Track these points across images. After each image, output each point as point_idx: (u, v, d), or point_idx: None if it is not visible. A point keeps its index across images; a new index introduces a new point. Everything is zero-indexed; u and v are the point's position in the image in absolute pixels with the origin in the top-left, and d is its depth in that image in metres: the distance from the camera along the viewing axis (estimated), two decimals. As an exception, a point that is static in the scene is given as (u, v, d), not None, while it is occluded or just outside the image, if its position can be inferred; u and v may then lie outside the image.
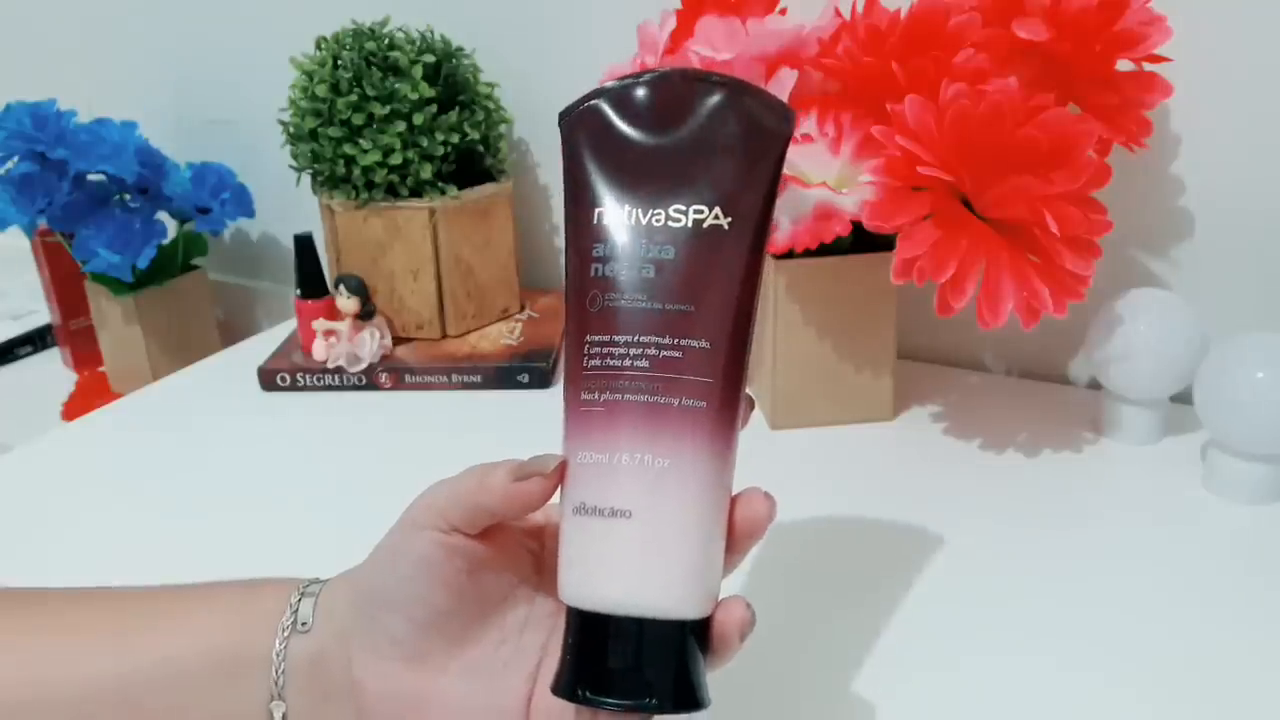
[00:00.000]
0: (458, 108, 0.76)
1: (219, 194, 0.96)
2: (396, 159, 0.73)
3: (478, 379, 0.74)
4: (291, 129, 0.76)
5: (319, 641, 0.34)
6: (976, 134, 0.50)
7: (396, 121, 0.72)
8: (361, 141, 0.73)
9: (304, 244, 0.75)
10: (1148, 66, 0.56)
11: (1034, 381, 0.71)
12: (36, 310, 1.07)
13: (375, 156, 0.73)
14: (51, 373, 1.03)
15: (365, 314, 0.76)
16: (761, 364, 0.65)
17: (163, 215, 0.94)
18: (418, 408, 0.72)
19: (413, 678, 0.33)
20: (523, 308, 0.84)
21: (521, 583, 0.35)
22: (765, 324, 0.63)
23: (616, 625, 0.31)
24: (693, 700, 0.31)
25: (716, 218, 0.32)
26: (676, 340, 0.31)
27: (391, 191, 0.75)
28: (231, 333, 1.05)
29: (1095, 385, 0.67)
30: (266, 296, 1.09)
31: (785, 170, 0.35)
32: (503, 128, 0.81)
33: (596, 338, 0.32)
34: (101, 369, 1.00)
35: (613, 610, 0.31)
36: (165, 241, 0.92)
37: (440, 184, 0.75)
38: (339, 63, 0.73)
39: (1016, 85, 0.51)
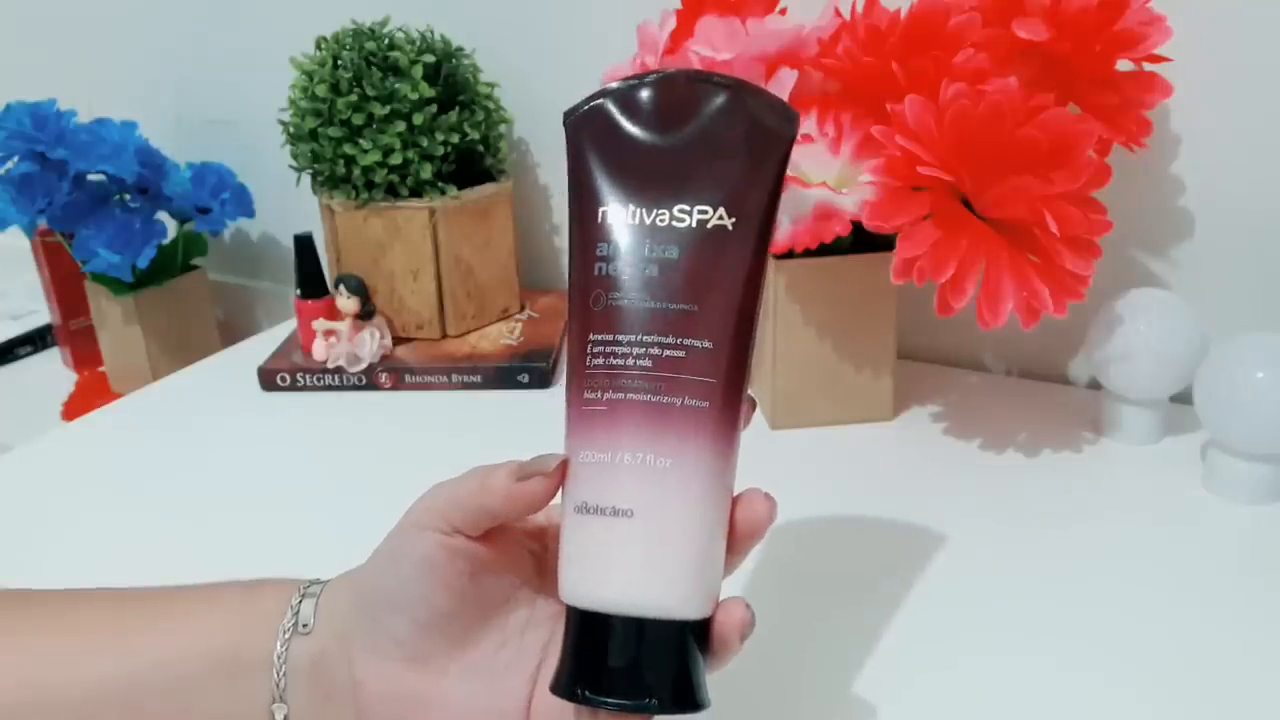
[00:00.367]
0: (458, 108, 0.76)
1: (219, 194, 0.96)
2: (396, 159, 0.73)
3: (478, 379, 0.74)
4: (291, 129, 0.76)
5: (320, 642, 0.34)
6: (976, 134, 0.50)
7: (396, 121, 0.72)
8: (361, 141, 0.73)
9: (304, 244, 0.75)
10: (1148, 66, 0.56)
11: (1034, 381, 0.71)
12: (36, 310, 1.07)
13: (375, 156, 0.73)
14: (51, 373, 1.03)
15: (365, 314, 0.76)
16: (762, 364, 0.65)
17: (163, 215, 0.94)
18: (418, 408, 0.72)
19: (414, 679, 0.33)
20: (523, 308, 0.84)
21: (523, 584, 0.35)
22: (765, 324, 0.63)
23: (617, 625, 0.31)
24: (692, 701, 0.31)
25: (720, 218, 0.32)
26: (680, 340, 0.32)
27: (391, 191, 0.75)
28: (231, 333, 1.05)
29: (1095, 385, 0.67)
30: (266, 296, 1.09)
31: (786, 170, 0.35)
32: (503, 128, 0.81)
33: (600, 337, 0.32)
34: (101, 369, 1.00)
35: (613, 610, 0.31)
36: (165, 241, 0.92)
37: (440, 184, 0.75)
38: (339, 63, 0.73)
39: (1016, 85, 0.51)
